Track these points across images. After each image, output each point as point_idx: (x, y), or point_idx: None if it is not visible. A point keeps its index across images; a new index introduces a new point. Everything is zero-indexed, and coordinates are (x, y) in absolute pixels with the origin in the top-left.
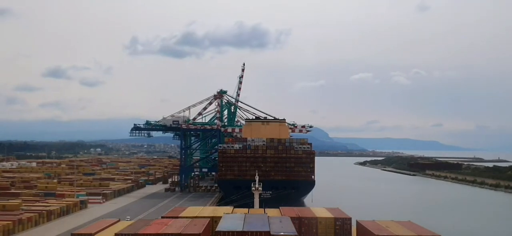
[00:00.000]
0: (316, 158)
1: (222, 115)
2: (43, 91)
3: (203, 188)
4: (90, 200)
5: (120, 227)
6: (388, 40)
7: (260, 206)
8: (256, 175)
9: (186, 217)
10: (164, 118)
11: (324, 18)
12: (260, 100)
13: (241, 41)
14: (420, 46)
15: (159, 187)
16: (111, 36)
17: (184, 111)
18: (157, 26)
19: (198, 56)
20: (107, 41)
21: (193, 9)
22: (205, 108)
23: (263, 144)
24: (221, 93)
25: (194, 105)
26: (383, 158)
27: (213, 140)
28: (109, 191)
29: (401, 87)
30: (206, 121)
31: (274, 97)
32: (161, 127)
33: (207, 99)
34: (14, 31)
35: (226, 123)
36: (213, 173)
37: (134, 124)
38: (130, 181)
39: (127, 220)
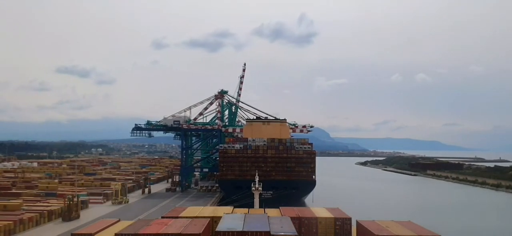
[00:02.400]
0: (317, 158)
1: (223, 115)
2: (46, 92)
3: (204, 188)
4: (91, 200)
5: (120, 227)
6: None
7: (261, 206)
8: (256, 175)
9: (186, 217)
10: (165, 118)
11: (344, 15)
12: (274, 98)
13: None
14: (434, 42)
15: (160, 187)
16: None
17: (185, 111)
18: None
19: (237, 48)
20: (135, 41)
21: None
22: (206, 108)
23: (264, 144)
24: (222, 93)
25: (195, 105)
26: (384, 158)
27: (214, 140)
28: (110, 191)
29: (420, 86)
30: (207, 121)
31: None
32: (162, 127)
33: (208, 99)
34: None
35: (227, 123)
36: (215, 173)
37: (135, 124)
38: (131, 181)
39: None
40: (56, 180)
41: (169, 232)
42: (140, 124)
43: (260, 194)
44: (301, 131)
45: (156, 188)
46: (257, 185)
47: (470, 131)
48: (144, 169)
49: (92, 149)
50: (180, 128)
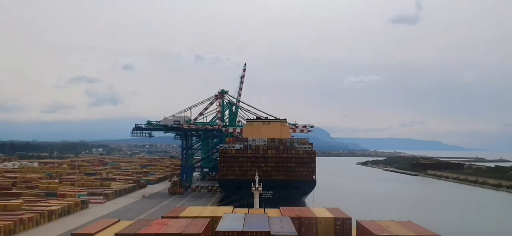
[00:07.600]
0: (318, 158)
1: (223, 115)
2: (48, 91)
3: (203, 187)
4: (91, 200)
5: (120, 227)
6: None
7: (261, 206)
8: (256, 175)
9: (186, 217)
10: (165, 118)
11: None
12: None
13: None
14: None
15: (161, 187)
16: None
17: (185, 111)
18: None
19: None
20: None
21: None
22: (206, 108)
23: (264, 144)
24: (222, 93)
25: (195, 105)
26: (384, 158)
27: (214, 140)
28: (111, 191)
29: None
30: (207, 121)
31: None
32: (162, 127)
33: (208, 99)
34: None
35: (227, 123)
36: (214, 173)
37: (136, 124)
38: (131, 181)
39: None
40: (57, 180)
41: (169, 232)
42: (140, 124)
43: (260, 194)
44: (302, 131)
45: (156, 188)
46: (257, 185)
47: (470, 132)
48: (144, 169)
49: (93, 149)
50: (180, 128)
